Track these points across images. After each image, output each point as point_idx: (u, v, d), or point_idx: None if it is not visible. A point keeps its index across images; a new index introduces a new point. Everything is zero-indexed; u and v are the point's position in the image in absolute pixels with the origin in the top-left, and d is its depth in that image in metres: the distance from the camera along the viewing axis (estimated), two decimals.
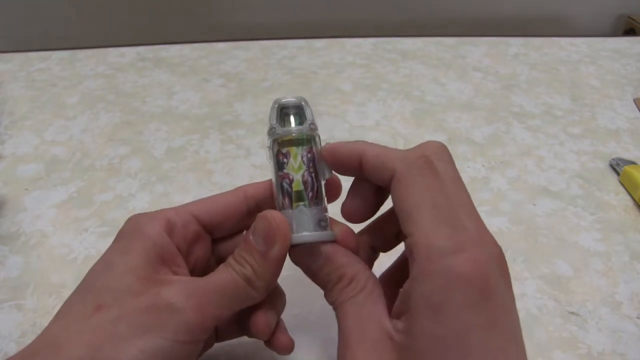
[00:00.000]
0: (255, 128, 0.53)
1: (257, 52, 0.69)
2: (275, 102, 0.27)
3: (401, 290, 0.21)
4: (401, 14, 1.00)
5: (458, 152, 0.50)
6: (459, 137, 0.52)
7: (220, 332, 0.28)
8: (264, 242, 0.24)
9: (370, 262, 0.28)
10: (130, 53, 0.68)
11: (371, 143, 0.25)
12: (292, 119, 0.27)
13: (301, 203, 0.25)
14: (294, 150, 0.26)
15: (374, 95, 0.59)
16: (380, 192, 0.26)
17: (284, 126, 0.26)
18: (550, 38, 0.75)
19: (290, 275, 0.27)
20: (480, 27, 1.02)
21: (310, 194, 0.26)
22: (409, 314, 0.20)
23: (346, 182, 0.28)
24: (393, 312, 0.22)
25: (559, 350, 0.32)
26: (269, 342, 0.27)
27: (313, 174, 0.26)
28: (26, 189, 0.45)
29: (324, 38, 0.73)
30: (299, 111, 0.27)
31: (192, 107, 0.57)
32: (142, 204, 0.43)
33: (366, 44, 0.72)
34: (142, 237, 0.24)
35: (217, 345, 0.29)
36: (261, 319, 0.26)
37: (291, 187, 0.26)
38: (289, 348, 0.27)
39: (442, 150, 0.24)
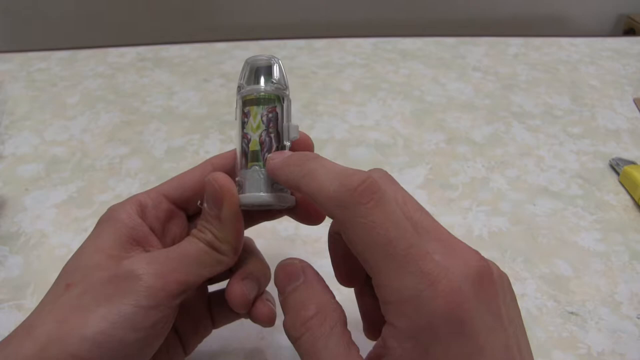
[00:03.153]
0: None
1: (257, 52, 0.69)
2: (246, 62, 0.27)
3: (382, 335, 0.20)
4: (401, 14, 1.00)
5: (458, 152, 0.50)
6: (459, 137, 0.52)
7: (215, 317, 0.28)
8: (213, 204, 0.24)
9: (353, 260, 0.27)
10: (130, 53, 0.68)
11: (311, 166, 0.22)
12: (261, 78, 0.26)
13: (256, 164, 0.25)
14: (254, 109, 0.25)
15: (374, 95, 0.59)
16: None
17: (254, 85, 0.26)
18: (550, 38, 0.75)
19: None
20: (480, 27, 1.02)
21: (267, 155, 0.25)
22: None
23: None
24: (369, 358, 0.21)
25: (559, 350, 0.32)
26: (249, 314, 0.26)
27: (272, 135, 0.25)
28: (26, 189, 0.45)
29: (324, 38, 0.73)
30: (268, 70, 0.26)
31: (192, 107, 0.57)
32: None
33: (366, 44, 0.72)
34: (113, 221, 0.25)
35: (215, 344, 0.29)
36: (236, 288, 0.25)
37: (248, 147, 0.25)
38: (269, 318, 0.26)
39: (385, 174, 0.23)
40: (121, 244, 0.24)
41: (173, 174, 0.48)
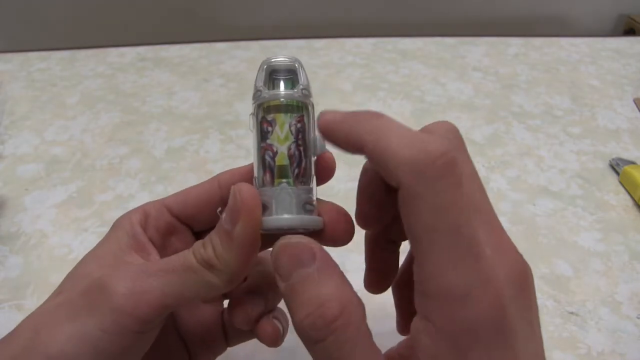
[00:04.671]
0: None
1: (257, 52, 0.69)
2: (263, 63, 0.23)
3: (412, 330, 0.18)
4: (401, 14, 1.00)
5: None
6: None
7: (230, 335, 0.27)
8: (229, 218, 0.20)
9: (390, 258, 0.24)
10: (130, 53, 0.68)
11: (379, 124, 0.19)
12: (282, 83, 0.23)
13: (284, 180, 0.21)
14: (281, 117, 0.22)
15: (374, 95, 0.59)
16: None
17: (274, 90, 0.22)
18: (550, 38, 0.75)
19: None
20: (480, 27, 1.02)
21: (296, 171, 0.22)
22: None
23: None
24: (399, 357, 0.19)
25: (559, 350, 0.32)
26: (252, 332, 0.24)
27: (302, 148, 0.22)
28: (26, 189, 0.45)
29: (324, 38, 0.73)
30: (292, 75, 0.23)
31: (192, 107, 0.57)
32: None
33: (366, 44, 0.72)
34: (116, 229, 0.24)
35: None
36: (238, 302, 0.23)
37: (274, 161, 0.22)
38: (272, 338, 0.24)
39: (458, 139, 0.20)
40: (118, 252, 0.23)
41: (173, 174, 0.48)
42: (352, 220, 0.23)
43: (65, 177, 0.46)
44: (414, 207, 0.17)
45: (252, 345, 0.31)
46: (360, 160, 0.20)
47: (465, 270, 0.17)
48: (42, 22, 0.95)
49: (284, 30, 0.88)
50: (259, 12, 0.97)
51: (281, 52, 0.69)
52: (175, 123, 0.54)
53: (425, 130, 0.20)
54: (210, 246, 0.20)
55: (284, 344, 0.32)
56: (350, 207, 0.23)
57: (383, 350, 0.19)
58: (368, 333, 0.18)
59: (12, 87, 0.60)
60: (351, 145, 0.20)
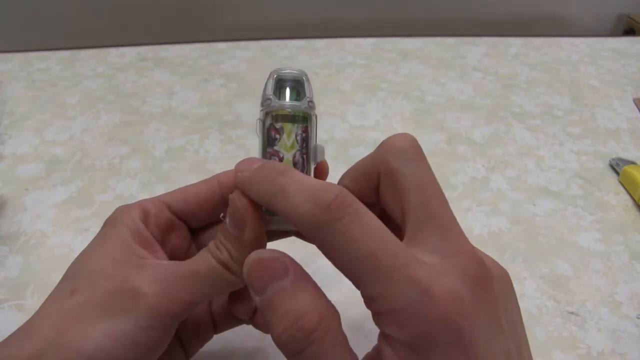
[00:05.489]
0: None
1: (257, 52, 0.69)
2: (273, 72, 0.25)
3: (378, 341, 0.19)
4: (401, 14, 1.00)
5: (458, 152, 0.50)
6: (459, 137, 0.52)
7: (217, 322, 0.28)
8: (235, 225, 0.22)
9: None
10: (130, 53, 0.68)
11: (281, 184, 0.20)
12: (287, 92, 0.25)
13: None
14: (288, 126, 0.24)
15: (374, 95, 0.59)
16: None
17: (280, 99, 0.24)
18: (550, 38, 0.75)
19: None
20: (480, 27, 1.02)
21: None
22: None
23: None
24: None
25: (559, 350, 0.32)
26: (252, 320, 0.26)
27: (305, 156, 0.24)
28: (26, 189, 0.45)
29: (324, 38, 0.73)
30: (298, 85, 0.25)
31: (192, 107, 0.57)
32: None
33: (366, 44, 0.72)
34: (118, 224, 0.24)
35: (217, 345, 0.29)
36: (238, 294, 0.25)
37: None
38: None
39: (406, 147, 0.22)
40: (126, 247, 0.23)
41: (173, 174, 0.48)
42: None
43: (65, 177, 0.46)
44: (329, 251, 0.19)
45: (253, 345, 0.32)
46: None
47: (397, 285, 0.18)
48: (42, 22, 0.95)
49: (284, 30, 0.88)
50: (259, 12, 0.97)
51: (281, 52, 0.69)
52: (175, 123, 0.54)
53: (382, 145, 0.22)
54: (224, 250, 0.22)
55: None
56: None
57: (360, 355, 0.20)
58: (345, 340, 0.19)
59: (12, 87, 0.60)
60: (264, 206, 0.22)
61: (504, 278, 0.21)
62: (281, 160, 0.24)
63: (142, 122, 0.54)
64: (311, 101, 0.24)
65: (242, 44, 0.71)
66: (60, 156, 0.49)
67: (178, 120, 0.54)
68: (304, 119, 0.24)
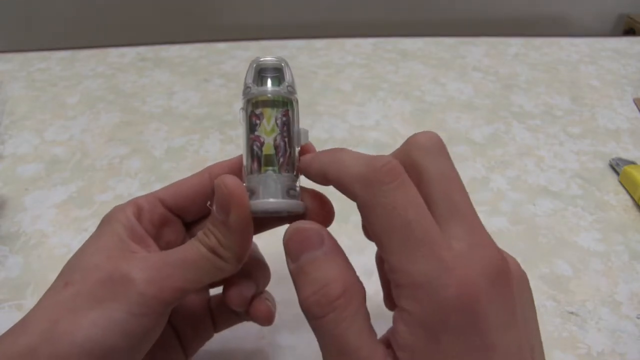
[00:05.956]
0: None
1: (257, 52, 0.69)
2: (253, 62, 0.25)
3: (393, 317, 0.20)
4: (401, 14, 1.00)
5: (458, 152, 0.50)
6: (459, 137, 0.52)
7: (216, 321, 0.28)
8: (221, 209, 0.22)
9: None
10: (130, 53, 0.68)
11: (338, 155, 0.22)
12: (269, 80, 0.25)
13: (270, 168, 0.24)
14: (268, 111, 0.24)
15: (374, 95, 0.59)
16: None
17: (261, 87, 0.25)
18: (550, 38, 0.75)
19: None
20: (480, 27, 1.02)
21: (281, 160, 0.24)
22: (402, 345, 0.19)
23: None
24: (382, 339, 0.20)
25: (559, 350, 0.32)
26: (248, 313, 0.26)
27: (286, 139, 0.24)
28: (26, 189, 0.45)
29: (324, 38, 0.73)
30: (278, 73, 0.25)
31: (192, 107, 0.57)
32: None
33: (366, 44, 0.72)
34: (112, 222, 0.25)
35: (216, 344, 0.29)
36: (233, 285, 0.25)
37: (261, 151, 0.24)
38: (267, 318, 0.26)
39: (430, 144, 0.22)
40: (120, 243, 0.24)
41: (173, 174, 0.48)
42: (331, 206, 0.25)
43: (65, 177, 0.46)
44: (369, 213, 0.20)
45: (252, 345, 0.32)
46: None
47: (423, 259, 0.18)
48: (42, 22, 0.95)
49: (284, 30, 0.88)
50: (259, 12, 0.97)
51: (281, 52, 0.69)
52: (175, 123, 0.54)
53: (407, 141, 0.23)
54: (212, 236, 0.23)
55: (284, 344, 0.32)
56: (331, 195, 0.24)
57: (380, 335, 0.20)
58: (366, 315, 0.20)
59: (12, 87, 0.60)
60: (320, 177, 0.23)
61: (523, 278, 0.21)
62: (262, 144, 0.24)
63: (142, 122, 0.54)
64: (290, 86, 0.25)
65: (242, 44, 0.71)
66: (60, 156, 0.49)
67: (178, 120, 0.54)
68: (284, 104, 0.25)
